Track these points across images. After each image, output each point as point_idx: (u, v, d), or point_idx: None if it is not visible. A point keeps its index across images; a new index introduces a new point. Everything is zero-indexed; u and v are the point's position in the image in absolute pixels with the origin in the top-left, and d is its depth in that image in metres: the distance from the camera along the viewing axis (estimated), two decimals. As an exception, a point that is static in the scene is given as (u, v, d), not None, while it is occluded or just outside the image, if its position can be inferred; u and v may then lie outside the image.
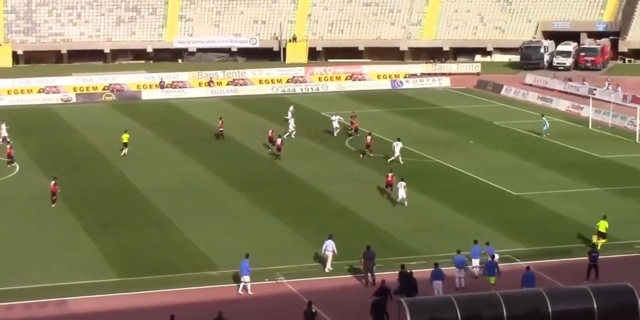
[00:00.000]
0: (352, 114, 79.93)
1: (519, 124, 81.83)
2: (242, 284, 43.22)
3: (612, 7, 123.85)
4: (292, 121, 78.56)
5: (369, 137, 70.35)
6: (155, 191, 60.39)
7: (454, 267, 43.48)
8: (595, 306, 37.17)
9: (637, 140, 74.99)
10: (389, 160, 66.87)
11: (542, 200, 57.41)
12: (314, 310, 38.27)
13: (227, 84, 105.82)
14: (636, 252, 48.14)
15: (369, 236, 49.41)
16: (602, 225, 48.58)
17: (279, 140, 70.54)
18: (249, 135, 77.65)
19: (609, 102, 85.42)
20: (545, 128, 76.64)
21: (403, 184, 56.29)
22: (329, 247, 45.59)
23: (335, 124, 78.11)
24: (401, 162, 66.52)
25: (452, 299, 37.09)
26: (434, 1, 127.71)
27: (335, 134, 77.17)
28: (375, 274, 43.66)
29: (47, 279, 44.99)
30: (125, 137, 71.27)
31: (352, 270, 45.53)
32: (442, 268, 42.30)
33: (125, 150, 70.67)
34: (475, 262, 44.87)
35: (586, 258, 44.58)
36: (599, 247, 46.74)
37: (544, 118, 77.90)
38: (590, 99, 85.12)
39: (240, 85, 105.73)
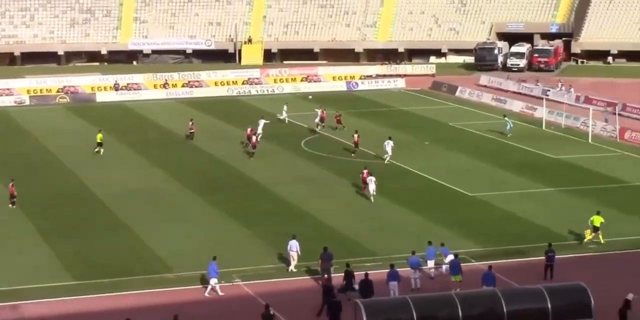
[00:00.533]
0: (337, 113, 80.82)
1: (473, 124, 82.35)
2: (209, 287, 43.15)
3: (565, 8, 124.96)
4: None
5: (356, 135, 71.15)
6: (111, 194, 60.14)
7: (409, 268, 43.69)
8: (549, 305, 37.52)
9: (590, 140, 75.71)
10: (385, 160, 67.56)
11: (497, 200, 57.82)
12: (271, 312, 38.32)
13: (182, 86, 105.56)
14: (590, 251, 48.64)
15: (326, 237, 49.55)
16: (597, 220, 49.57)
17: (254, 138, 71.05)
18: (205, 138, 77.53)
19: (562, 103, 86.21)
20: (508, 128, 77.47)
21: (373, 179, 57.83)
22: (293, 247, 45.75)
23: (317, 120, 79.80)
24: (386, 162, 67.29)
25: (408, 300, 37.29)
26: (389, 3, 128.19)
27: (318, 128, 77.16)
28: (332, 275, 43.78)
29: (1, 283, 44.68)
30: (99, 137, 71.97)
31: (309, 272, 45.63)
32: (398, 269, 42.50)
33: (99, 149, 71.42)
34: (431, 263, 45.13)
35: (542, 258, 44.97)
36: (585, 240, 48.67)
37: (506, 118, 78.78)
38: (544, 100, 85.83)
39: (196, 87, 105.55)
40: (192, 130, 77.24)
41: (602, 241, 49.35)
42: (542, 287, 38.49)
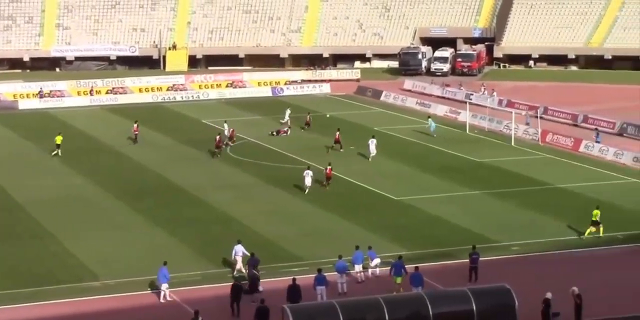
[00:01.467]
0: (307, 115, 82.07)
1: (398, 129, 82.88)
2: (162, 293, 42.93)
3: (486, 13, 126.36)
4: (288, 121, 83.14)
5: (337, 133, 73.69)
6: (35, 203, 59.49)
7: (336, 273, 43.85)
8: (474, 307, 37.91)
9: (513, 143, 76.63)
10: (370, 158, 70.15)
11: (423, 204, 58.26)
12: (200, 319, 38.19)
13: (107, 93, 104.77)
14: (513, 253, 49.24)
15: (253, 243, 49.44)
16: (595, 215, 51.44)
17: (217, 137, 72.48)
18: (130, 144, 77.02)
19: (485, 106, 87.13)
20: (432, 129, 78.92)
21: (310, 172, 60.74)
22: (239, 252, 45.76)
23: (287, 118, 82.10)
24: (370, 160, 69.77)
25: (335, 304, 37.43)
26: (313, 8, 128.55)
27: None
28: (260, 280, 43.76)
29: None
30: (58, 139, 72.56)
31: (238, 278, 45.54)
32: (326, 273, 42.62)
33: (57, 151, 72.13)
34: (358, 267, 45.34)
35: (467, 260, 45.39)
36: (585, 235, 51.07)
37: (430, 120, 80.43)
38: (467, 104, 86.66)
39: (120, 93, 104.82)
40: (136, 133, 77.60)
41: (601, 234, 51.37)
42: (467, 290, 38.87)
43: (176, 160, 71.28)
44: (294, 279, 41.63)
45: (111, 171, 68.44)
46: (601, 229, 51.60)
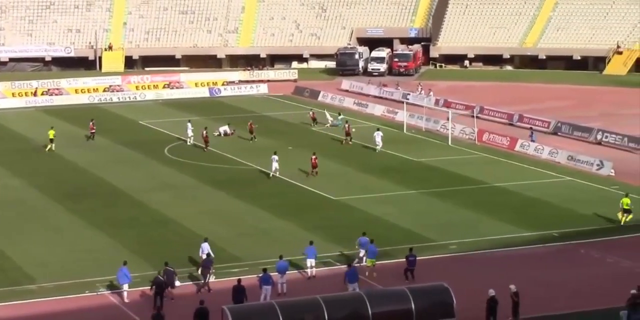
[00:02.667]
0: (250, 122, 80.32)
1: (337, 129, 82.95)
2: (124, 293, 42.67)
3: (422, 13, 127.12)
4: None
5: (347, 125, 77.53)
6: (-31, 205, 58.79)
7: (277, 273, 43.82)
8: (413, 306, 38.08)
9: (450, 143, 77.13)
10: (377, 150, 73.21)
11: (361, 204, 58.40)
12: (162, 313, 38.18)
13: (42, 94, 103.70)
14: (451, 252, 49.54)
15: (192, 244, 49.15)
16: (625, 202, 53.11)
17: (204, 132, 73.77)
18: (66, 146, 76.35)
19: (422, 106, 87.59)
20: (338, 123, 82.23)
21: (276, 157, 64.46)
22: (205, 249, 45.75)
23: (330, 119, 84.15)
24: (377, 152, 73.05)
25: (275, 305, 37.41)
26: (250, 9, 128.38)
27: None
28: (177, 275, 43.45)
29: None
30: (51, 133, 74.52)
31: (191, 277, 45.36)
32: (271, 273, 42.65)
33: (51, 146, 74.03)
34: (310, 262, 45.37)
35: (403, 260, 45.61)
36: (622, 223, 53.06)
37: (340, 117, 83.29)
38: (404, 104, 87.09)
39: (56, 95, 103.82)
40: (93, 131, 78.38)
41: (622, 222, 53.13)
42: (405, 289, 39.05)
43: (114, 162, 70.80)
44: (239, 280, 41.48)
45: (47, 173, 67.77)
46: (627, 217, 53.08)
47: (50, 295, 43.50)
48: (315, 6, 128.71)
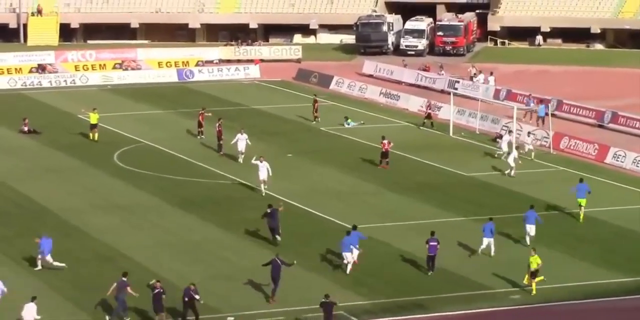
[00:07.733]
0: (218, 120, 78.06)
1: (354, 129, 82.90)
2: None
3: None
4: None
5: (385, 141, 72.48)
6: None
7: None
8: None
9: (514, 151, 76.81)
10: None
11: (386, 235, 58.37)
12: None
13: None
14: (514, 304, 49.42)
15: (146, 289, 49.18)
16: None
17: (218, 127, 75.90)
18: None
19: (477, 99, 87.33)
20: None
21: (265, 164, 65.31)
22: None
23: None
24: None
25: None
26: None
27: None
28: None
29: None
30: (94, 118, 79.46)
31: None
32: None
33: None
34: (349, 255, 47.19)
35: None
36: None
37: (348, 120, 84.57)
38: (451, 95, 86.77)
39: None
40: (28, 128, 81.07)
41: None
42: None
43: (41, 172, 70.88)
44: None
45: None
46: None
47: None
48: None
